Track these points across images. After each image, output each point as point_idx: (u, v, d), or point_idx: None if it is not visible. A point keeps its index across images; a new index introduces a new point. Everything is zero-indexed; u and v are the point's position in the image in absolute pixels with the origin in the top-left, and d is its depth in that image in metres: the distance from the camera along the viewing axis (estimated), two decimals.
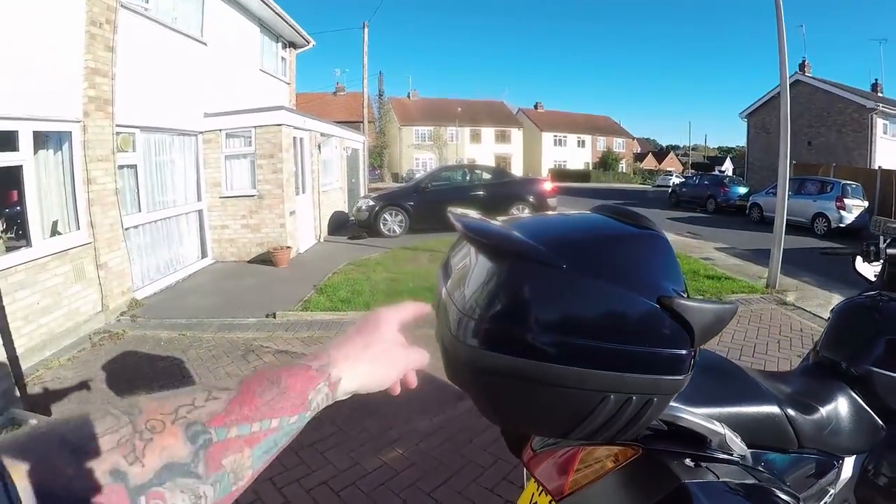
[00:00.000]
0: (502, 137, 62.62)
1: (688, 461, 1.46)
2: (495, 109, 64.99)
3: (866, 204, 17.75)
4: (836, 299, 7.46)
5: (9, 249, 5.63)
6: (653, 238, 1.36)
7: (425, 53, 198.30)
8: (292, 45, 15.75)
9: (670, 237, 11.18)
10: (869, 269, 2.72)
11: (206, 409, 0.52)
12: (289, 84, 15.58)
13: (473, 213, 1.50)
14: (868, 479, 2.01)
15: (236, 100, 10.82)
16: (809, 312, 6.99)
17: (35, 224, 5.74)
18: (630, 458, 1.47)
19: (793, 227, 14.68)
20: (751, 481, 1.51)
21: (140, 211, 7.95)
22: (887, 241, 2.51)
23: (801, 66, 28.94)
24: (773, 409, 1.68)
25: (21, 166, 5.54)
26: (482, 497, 3.26)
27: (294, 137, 11.13)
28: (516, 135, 63.61)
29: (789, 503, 1.47)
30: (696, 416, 1.49)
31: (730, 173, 40.65)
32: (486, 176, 16.02)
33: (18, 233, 5.95)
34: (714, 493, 1.40)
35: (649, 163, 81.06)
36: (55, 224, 6.22)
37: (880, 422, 1.93)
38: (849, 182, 17.98)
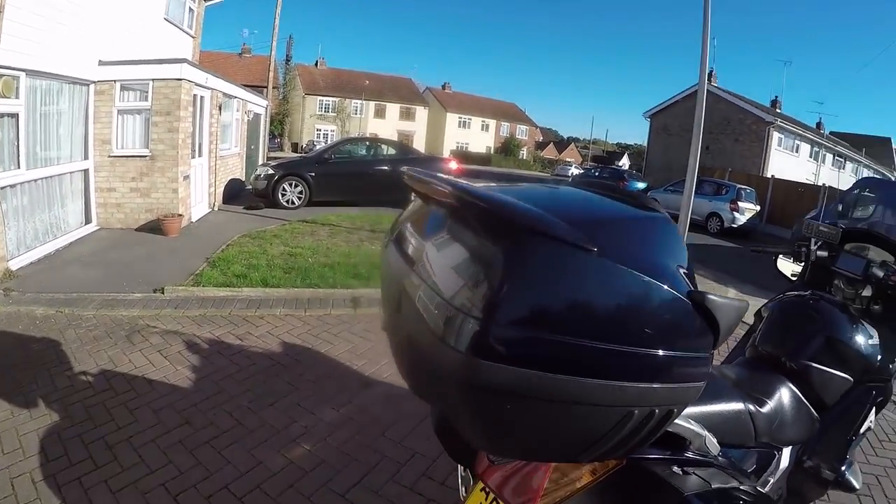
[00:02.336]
0: (407, 115, 62.66)
1: (675, 468, 1.39)
2: (403, 86, 64.78)
3: (758, 208, 19.50)
4: (733, 293, 7.89)
5: None
6: (667, 222, 1.21)
7: (338, 21, 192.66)
8: None
9: None
10: (789, 269, 2.91)
11: None
12: (194, 38, 14.52)
13: (443, 175, 1.28)
14: (802, 468, 2.17)
15: (136, 49, 9.98)
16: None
17: None
18: (612, 469, 1.36)
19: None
20: (733, 483, 1.53)
21: (19, 168, 7.10)
22: (818, 244, 2.63)
23: (709, 76, 30.40)
24: (739, 405, 1.69)
25: None
26: (402, 497, 3.12)
27: (195, 95, 10.44)
28: (421, 113, 63.86)
29: (772, 500, 1.62)
30: (681, 419, 1.36)
31: (626, 168, 42.87)
32: (391, 151, 15.79)
33: None
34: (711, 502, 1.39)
35: (550, 152, 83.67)
36: None
37: (815, 414, 2.07)
38: (744, 186, 19.68)
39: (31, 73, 7.12)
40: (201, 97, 11.13)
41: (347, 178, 14.28)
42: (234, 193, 14.67)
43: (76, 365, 4.51)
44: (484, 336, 0.96)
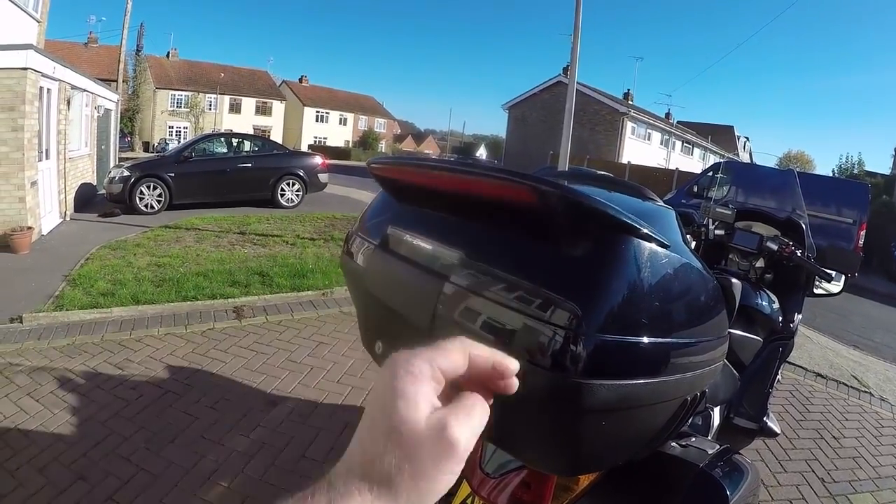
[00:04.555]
0: (263, 109, 61.59)
1: (672, 443, 1.40)
2: (259, 79, 63.40)
3: None
4: None
5: None
6: (674, 212, 1.24)
7: (191, 9, 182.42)
8: None
9: None
10: None
11: None
12: (40, 22, 12.56)
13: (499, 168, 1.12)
14: (731, 424, 2.43)
15: None
16: None
17: None
18: None
19: None
20: (718, 447, 1.48)
21: None
22: (715, 224, 2.88)
23: (565, 70, 32.65)
24: None
25: None
26: None
27: (41, 87, 9.01)
28: (278, 107, 62.90)
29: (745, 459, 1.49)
30: None
31: (484, 158, 44.46)
32: (255, 147, 15.06)
33: None
34: (723, 468, 1.35)
35: (408, 144, 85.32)
36: None
37: (736, 373, 2.20)
38: (602, 172, 20.90)
39: None
40: (48, 90, 9.65)
41: (210, 176, 13.33)
42: (87, 199, 13.09)
43: None
44: (595, 352, 0.89)
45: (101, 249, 8.39)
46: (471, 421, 0.48)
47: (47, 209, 9.80)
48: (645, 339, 0.94)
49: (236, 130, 49.40)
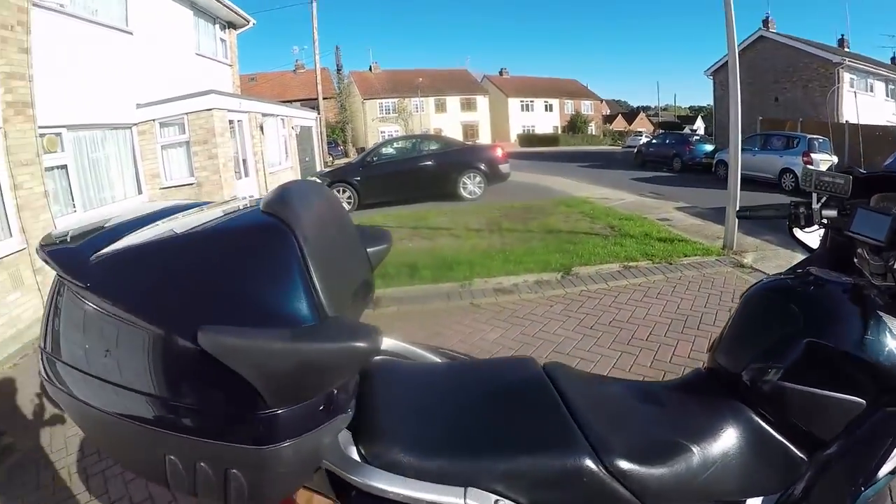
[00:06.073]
0: (468, 105, 61.68)
1: None
2: (459, 78, 64.01)
3: (835, 159, 15.18)
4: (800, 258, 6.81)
5: None
6: None
7: (384, 24, 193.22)
8: (231, 25, 15.69)
9: (631, 198, 11.61)
10: (811, 237, 2.07)
11: None
12: (230, 66, 15.56)
13: None
14: None
15: (172, 86, 10.88)
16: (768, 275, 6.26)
17: None
18: None
19: (761, 184, 14.99)
20: None
21: (76, 210, 8.08)
22: (821, 201, 1.85)
23: (765, 23, 28.85)
24: (584, 462, 1.21)
25: None
26: None
27: (230, 121, 11.29)
28: (482, 102, 62.67)
29: None
30: (415, 486, 1.13)
31: (701, 132, 40.50)
32: (434, 146, 15.53)
33: None
34: None
35: (619, 124, 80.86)
36: None
37: (798, 453, 1.43)
38: (816, 136, 17.56)
39: (73, 128, 8.10)
40: (238, 121, 12.00)
41: (392, 177, 14.19)
42: None
43: None
44: None
45: None
46: None
47: None
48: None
49: (444, 129, 52.27)
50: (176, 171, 10.60)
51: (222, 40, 15.07)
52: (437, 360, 1.71)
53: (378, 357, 1.53)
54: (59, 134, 7.79)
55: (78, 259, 1.24)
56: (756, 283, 1.76)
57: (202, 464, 1.04)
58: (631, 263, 6.61)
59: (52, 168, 7.55)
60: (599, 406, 1.38)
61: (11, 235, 6.46)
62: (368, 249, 1.65)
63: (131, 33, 10.04)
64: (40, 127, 7.01)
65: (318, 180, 13.99)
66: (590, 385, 1.50)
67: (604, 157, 35.20)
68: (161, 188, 10.43)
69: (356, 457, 1.16)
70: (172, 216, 1.47)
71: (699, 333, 4.54)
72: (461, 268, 6.90)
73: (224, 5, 14.15)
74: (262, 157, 13.46)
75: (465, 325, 5.22)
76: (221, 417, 1.04)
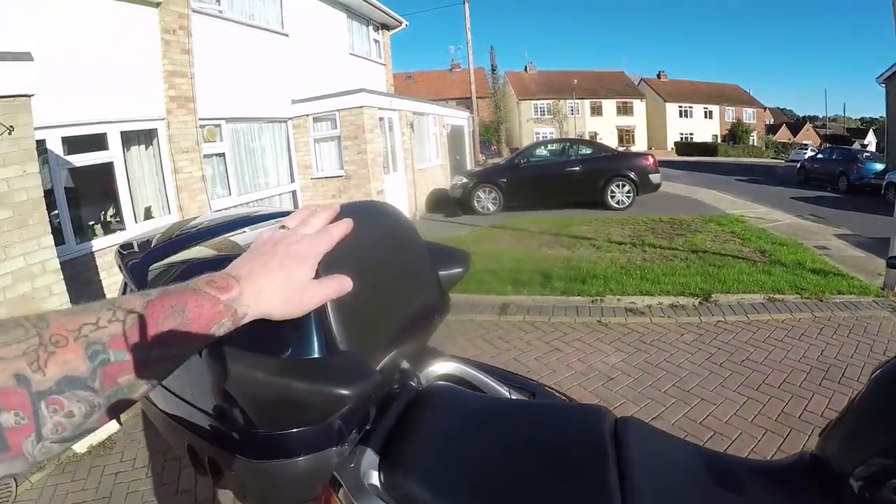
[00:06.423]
0: (624, 109, 59.89)
1: None
2: (615, 79, 62.11)
3: None
4: None
5: (107, 233, 6.57)
6: None
7: (539, 24, 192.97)
8: (384, 26, 16.27)
9: (788, 219, 10.31)
10: None
11: (108, 330, 0.54)
12: (384, 65, 16.18)
13: None
14: None
15: (326, 85, 11.47)
16: None
17: (128, 211, 6.65)
18: None
19: None
20: None
21: (230, 194, 8.84)
22: None
23: None
24: None
25: (112, 162, 6.47)
26: None
27: (380, 118, 11.67)
28: (639, 106, 60.51)
29: None
30: None
31: (873, 148, 36.04)
32: (585, 150, 14.92)
33: (117, 219, 6.85)
34: None
35: (783, 135, 73.52)
36: (148, 209, 7.10)
37: None
38: None
39: (231, 120, 8.82)
40: (389, 118, 12.39)
41: (539, 181, 13.93)
42: (438, 202, 15.64)
43: None
44: None
45: None
46: (323, 283, 0.73)
47: None
48: None
49: (599, 132, 51.26)
50: (327, 163, 11.16)
51: (375, 41, 15.69)
52: (504, 392, 1.62)
53: (439, 381, 1.55)
54: (218, 125, 8.51)
55: (139, 269, 1.46)
56: (893, 360, 1.20)
57: (209, 456, 1.14)
58: (777, 296, 5.98)
59: (210, 155, 8.29)
60: (661, 478, 1.16)
61: (170, 212, 7.14)
62: (441, 272, 1.59)
63: (287, 35, 10.73)
64: (201, 119, 7.66)
65: (465, 179, 14.17)
66: (661, 451, 1.28)
67: (764, 171, 32.14)
68: (312, 178, 11.13)
69: (375, 480, 1.14)
70: (240, 229, 1.63)
71: (839, 389, 3.93)
72: (595, 282, 6.71)
73: (377, 8, 14.70)
74: (411, 153, 13.78)
75: (588, 344, 5.05)
76: (219, 424, 1.12)
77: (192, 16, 7.46)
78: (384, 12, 15.18)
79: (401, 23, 16.38)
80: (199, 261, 1.49)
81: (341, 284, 0.75)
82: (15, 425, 0.46)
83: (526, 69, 62.10)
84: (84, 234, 6.39)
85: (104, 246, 6.12)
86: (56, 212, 5.64)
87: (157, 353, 0.57)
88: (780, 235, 9.13)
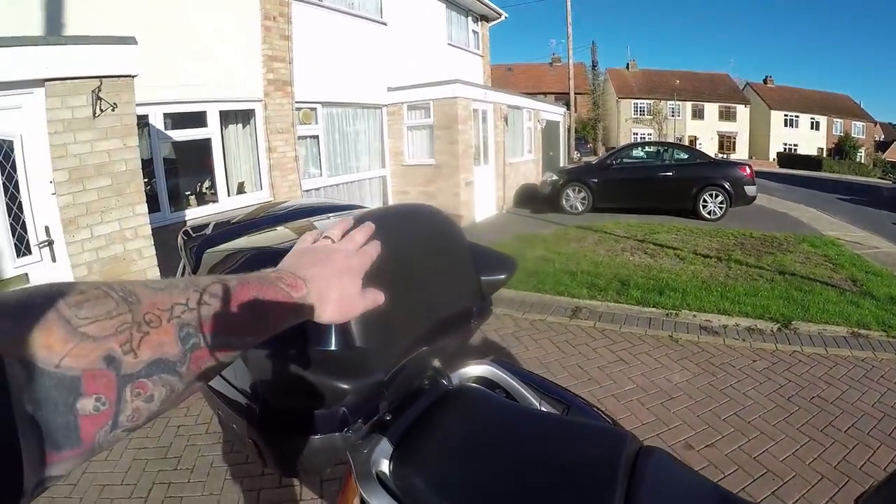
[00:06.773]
0: (726, 114, 56.59)
1: None
2: (719, 83, 58.85)
3: None
4: None
5: (200, 204, 6.92)
6: None
7: (643, 21, 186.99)
8: (484, 18, 16.16)
9: (888, 247, 9.46)
10: None
11: (198, 312, 0.53)
12: (482, 57, 16.11)
13: None
14: None
15: (423, 74, 11.60)
16: None
17: (222, 185, 6.96)
18: None
19: None
20: None
21: (321, 175, 9.12)
22: None
23: None
24: None
25: (210, 139, 6.80)
26: None
27: (474, 109, 11.64)
28: (742, 112, 57.03)
29: None
30: None
31: None
32: (680, 155, 14.28)
33: (211, 191, 7.17)
34: None
35: (893, 154, 66.63)
36: (241, 184, 7.40)
37: None
38: None
39: (326, 104, 9.04)
40: (483, 110, 12.34)
41: (630, 184, 13.53)
42: (527, 197, 15.46)
43: None
44: None
45: (512, 239, 9.86)
46: (365, 293, 0.78)
47: (482, 203, 12.54)
48: None
49: (700, 137, 49.33)
50: (418, 151, 11.26)
51: (474, 32, 15.63)
52: (535, 401, 1.63)
53: (471, 383, 1.58)
54: (314, 109, 8.71)
55: (198, 251, 1.61)
56: None
57: (233, 425, 1.27)
58: (861, 331, 5.43)
59: (305, 137, 8.56)
60: None
61: (262, 189, 7.41)
62: (484, 277, 1.64)
63: (385, 24, 10.86)
64: (297, 102, 7.87)
65: (555, 176, 13.93)
66: (677, 487, 1.20)
67: (869, 191, 28.65)
68: (403, 165, 11.27)
69: (385, 468, 1.20)
70: (306, 219, 1.80)
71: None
72: (673, 294, 6.52)
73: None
74: (503, 147, 13.68)
75: (654, 359, 4.92)
76: (242, 396, 1.24)
77: (293, 3, 7.70)
78: (484, 4, 15.07)
79: (500, 14, 16.21)
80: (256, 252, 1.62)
81: (376, 298, 0.80)
82: (93, 412, 0.44)
83: (628, 66, 60.21)
84: (179, 203, 6.75)
85: (197, 216, 6.42)
86: (154, 180, 5.99)
87: (235, 341, 0.57)
88: (875, 264, 8.18)
